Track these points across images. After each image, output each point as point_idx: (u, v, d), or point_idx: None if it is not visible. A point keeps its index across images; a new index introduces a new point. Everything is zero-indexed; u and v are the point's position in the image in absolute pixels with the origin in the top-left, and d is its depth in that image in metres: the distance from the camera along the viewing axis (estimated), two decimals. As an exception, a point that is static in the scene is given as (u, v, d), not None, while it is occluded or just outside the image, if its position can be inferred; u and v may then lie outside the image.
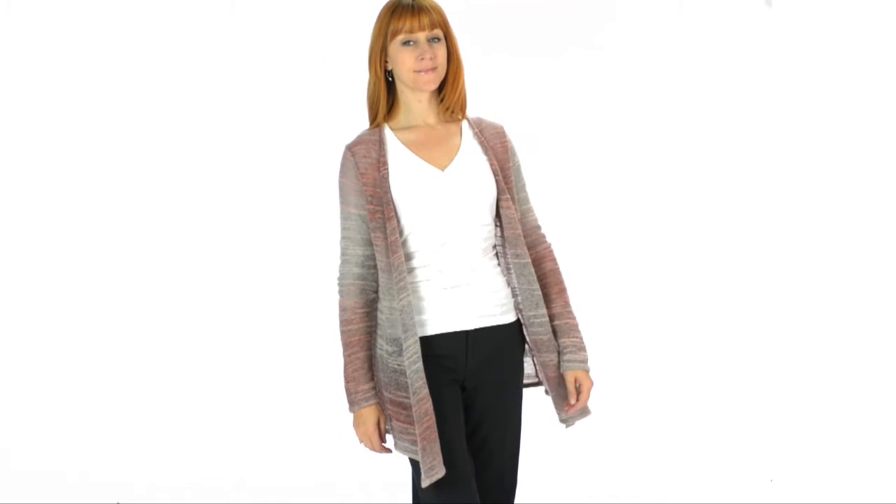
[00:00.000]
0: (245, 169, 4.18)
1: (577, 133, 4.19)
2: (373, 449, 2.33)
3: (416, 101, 2.33)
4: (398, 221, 2.28)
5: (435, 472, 2.20)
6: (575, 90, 4.18)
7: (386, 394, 2.30)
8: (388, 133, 2.34)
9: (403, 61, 2.26)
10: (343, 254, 2.34)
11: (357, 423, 2.32)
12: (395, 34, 2.26)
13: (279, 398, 4.11)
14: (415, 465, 2.31)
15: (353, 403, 2.31)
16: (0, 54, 4.08)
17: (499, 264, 2.38)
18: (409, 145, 2.32)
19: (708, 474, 3.82)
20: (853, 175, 4.16)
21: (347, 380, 2.32)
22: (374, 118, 2.37)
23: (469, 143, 2.36)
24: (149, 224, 4.17)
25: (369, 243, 2.30)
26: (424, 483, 2.21)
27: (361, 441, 2.34)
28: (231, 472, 3.93)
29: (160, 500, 3.80)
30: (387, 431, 2.34)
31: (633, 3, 4.19)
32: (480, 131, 2.38)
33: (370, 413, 2.31)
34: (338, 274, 2.35)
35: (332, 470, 3.90)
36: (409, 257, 2.30)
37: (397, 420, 2.28)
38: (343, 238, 2.34)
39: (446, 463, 2.23)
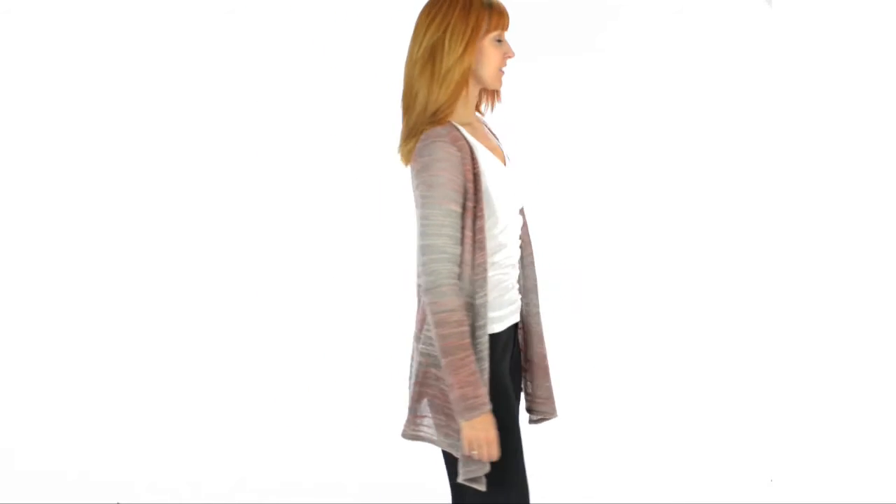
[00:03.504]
0: (247, 168, 4.18)
1: (578, 134, 4.18)
2: (490, 457, 2.12)
3: (473, 98, 2.28)
4: (486, 218, 2.20)
5: (475, 471, 2.11)
6: (576, 90, 4.17)
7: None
8: (461, 129, 2.23)
9: (493, 58, 2.22)
10: (441, 251, 2.11)
11: (479, 429, 2.10)
12: (491, 30, 2.21)
13: (279, 398, 4.11)
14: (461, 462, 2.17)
15: (474, 409, 2.08)
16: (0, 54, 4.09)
17: None
18: (478, 140, 2.26)
19: (708, 474, 3.82)
20: (853, 175, 4.15)
21: (462, 384, 2.08)
22: (434, 112, 2.20)
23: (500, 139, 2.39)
24: (149, 225, 4.17)
25: (461, 242, 2.17)
26: (461, 478, 2.13)
27: (477, 448, 2.11)
28: (231, 473, 3.93)
29: (160, 500, 3.80)
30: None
31: (634, 3, 4.19)
32: (490, 128, 2.40)
33: (493, 418, 2.12)
34: (429, 274, 2.12)
35: (332, 470, 3.90)
36: (497, 253, 2.24)
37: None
38: (440, 235, 2.12)
39: (504, 465, 2.15)
